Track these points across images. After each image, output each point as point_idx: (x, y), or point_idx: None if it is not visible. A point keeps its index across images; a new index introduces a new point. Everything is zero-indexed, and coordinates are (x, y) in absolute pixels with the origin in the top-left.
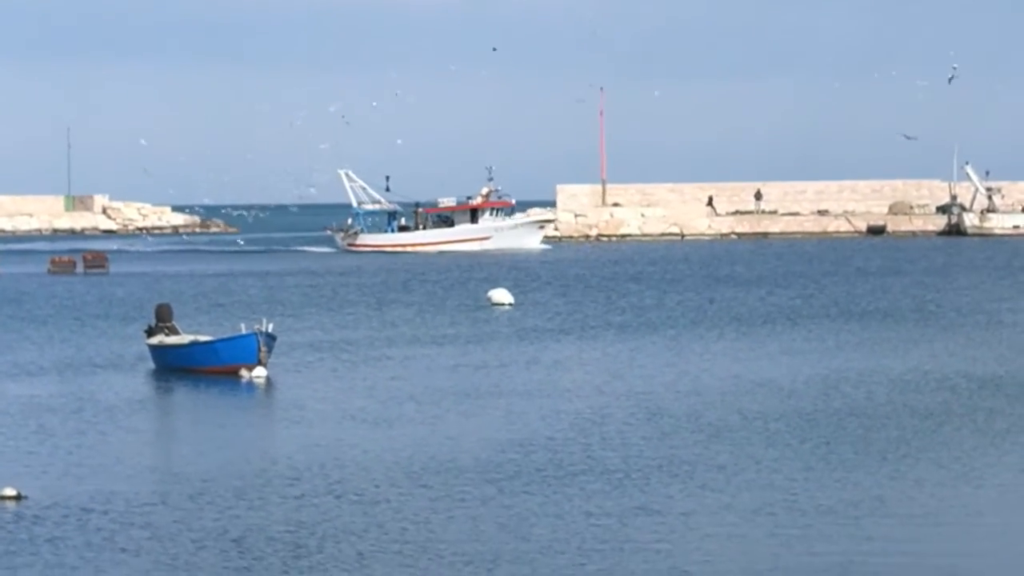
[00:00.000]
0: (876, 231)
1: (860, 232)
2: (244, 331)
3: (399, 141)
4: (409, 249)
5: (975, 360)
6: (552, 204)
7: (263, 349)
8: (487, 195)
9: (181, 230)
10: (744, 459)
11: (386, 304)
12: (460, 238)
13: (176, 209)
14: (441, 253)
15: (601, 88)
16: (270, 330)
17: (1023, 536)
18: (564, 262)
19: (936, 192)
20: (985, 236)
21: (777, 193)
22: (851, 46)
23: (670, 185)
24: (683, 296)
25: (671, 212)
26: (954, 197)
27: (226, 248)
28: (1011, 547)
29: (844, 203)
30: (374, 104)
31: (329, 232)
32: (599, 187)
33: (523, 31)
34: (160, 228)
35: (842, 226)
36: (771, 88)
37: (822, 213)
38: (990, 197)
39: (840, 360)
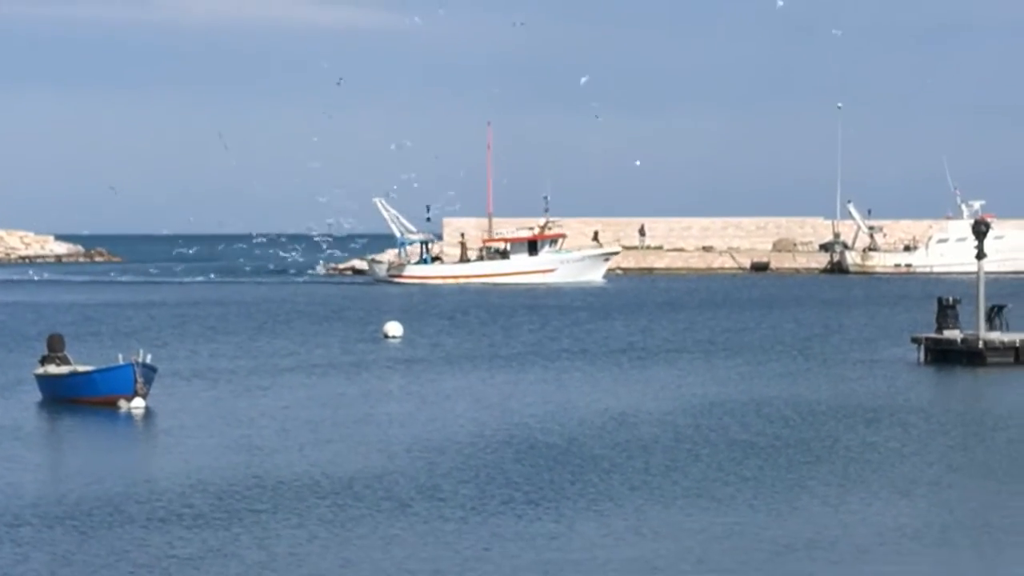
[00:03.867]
0: (760, 268)
1: (744, 269)
2: (121, 362)
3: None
4: (463, 281)
5: (850, 394)
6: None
7: (140, 380)
8: (544, 226)
9: (64, 259)
10: (615, 489)
11: (277, 335)
12: (520, 270)
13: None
14: (495, 285)
15: (488, 122)
16: (148, 361)
17: (893, 566)
18: (454, 294)
19: (820, 230)
20: (867, 274)
21: (662, 229)
22: (737, 83)
23: (555, 219)
24: (569, 328)
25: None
26: (837, 235)
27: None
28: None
29: (729, 240)
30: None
31: (366, 262)
32: (485, 220)
33: (414, 64)
34: (43, 257)
35: (727, 262)
36: (657, 125)
37: (707, 249)
38: (872, 235)
39: (717, 392)
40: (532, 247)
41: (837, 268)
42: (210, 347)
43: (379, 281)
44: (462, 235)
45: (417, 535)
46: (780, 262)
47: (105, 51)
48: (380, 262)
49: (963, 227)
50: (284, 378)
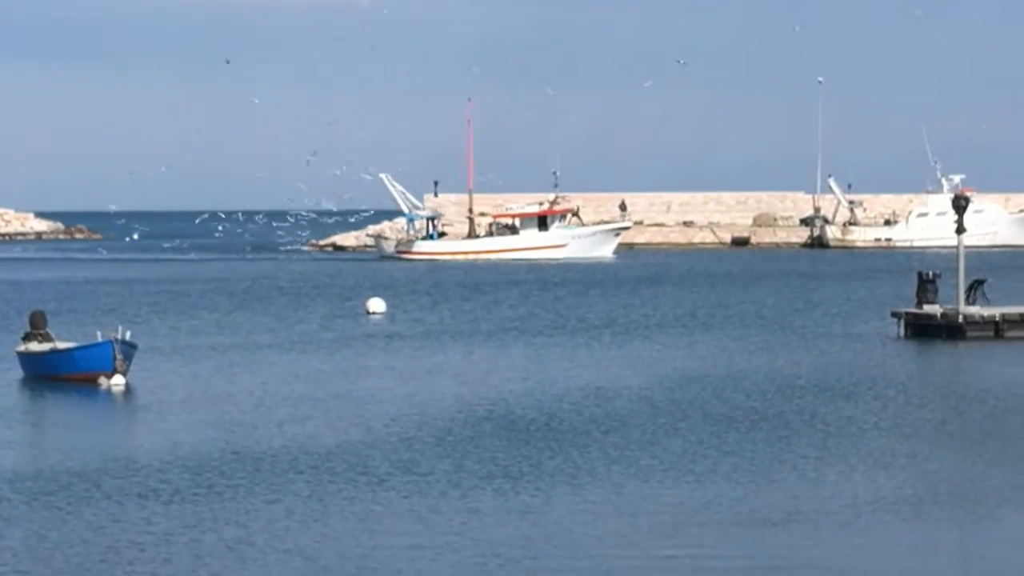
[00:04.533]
0: (741, 243)
1: (725, 244)
2: (100, 339)
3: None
4: (472, 257)
5: (830, 368)
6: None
7: (119, 357)
8: (554, 201)
9: (45, 237)
10: (594, 463)
11: (260, 312)
12: (531, 246)
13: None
14: (506, 261)
15: (469, 98)
16: (128, 338)
17: (871, 539)
18: (441, 269)
19: (800, 204)
20: (847, 248)
21: (643, 204)
22: (719, 58)
23: (536, 195)
24: (554, 303)
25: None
26: (817, 209)
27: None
28: (859, 550)
29: (709, 215)
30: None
31: (371, 237)
32: (466, 196)
33: (395, 39)
34: (23, 234)
35: (707, 237)
36: (640, 99)
37: (687, 224)
38: (852, 210)
39: (697, 366)
40: (542, 222)
41: (817, 243)
42: (191, 324)
43: (385, 257)
44: (470, 210)
45: (396, 511)
46: (761, 237)
47: (87, 28)
48: (387, 238)
49: (943, 201)
50: (264, 354)
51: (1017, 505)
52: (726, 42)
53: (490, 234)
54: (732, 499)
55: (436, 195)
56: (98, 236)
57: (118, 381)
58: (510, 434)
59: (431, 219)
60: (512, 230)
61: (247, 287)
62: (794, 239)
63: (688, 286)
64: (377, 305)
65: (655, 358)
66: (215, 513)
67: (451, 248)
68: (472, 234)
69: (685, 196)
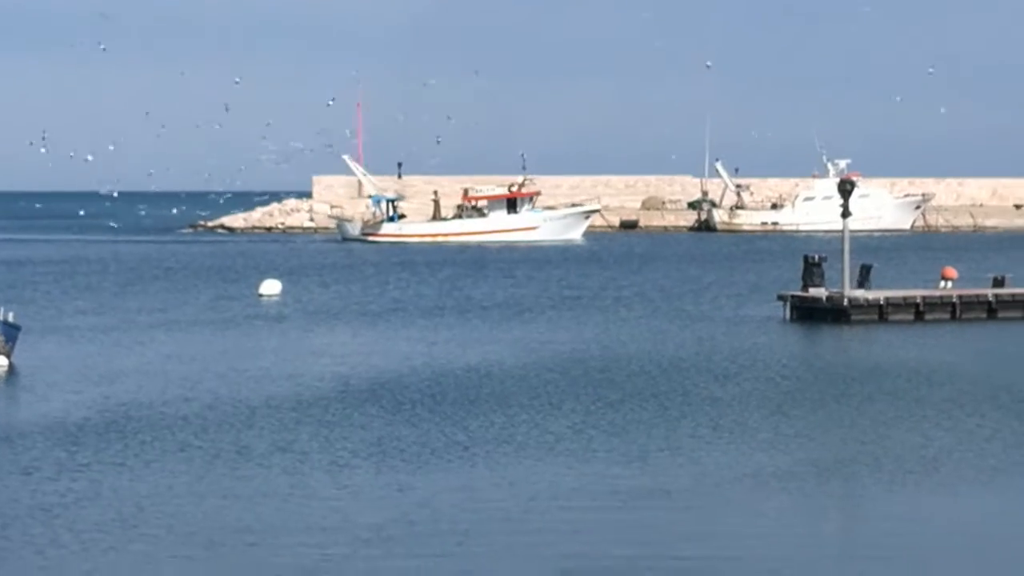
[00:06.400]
0: (629, 226)
1: (613, 227)
2: None
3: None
4: (440, 240)
5: (715, 350)
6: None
7: (1, 338)
8: (522, 184)
9: None
10: (476, 442)
11: (149, 294)
12: (501, 228)
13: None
14: (476, 244)
15: (359, 80)
16: (10, 319)
17: (748, 514)
18: (337, 252)
19: (689, 188)
20: (734, 232)
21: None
22: (610, 44)
23: (427, 177)
24: (441, 286)
25: (426, 204)
26: (705, 193)
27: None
28: (736, 525)
29: (598, 198)
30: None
31: (332, 218)
32: (355, 179)
33: (287, 22)
34: None
35: (596, 220)
36: (536, 86)
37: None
38: (739, 194)
39: (583, 348)
40: (511, 205)
41: (705, 226)
42: (75, 304)
43: (348, 239)
44: (435, 192)
45: (274, 488)
46: (649, 220)
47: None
48: (350, 220)
49: (829, 185)
50: (150, 334)
51: (887, 483)
52: (616, 26)
53: (458, 216)
54: (611, 476)
55: (400, 176)
56: None
57: (0, 362)
58: (391, 414)
59: (392, 201)
60: (480, 213)
61: (142, 268)
62: (682, 223)
63: (575, 268)
64: (271, 287)
65: (541, 339)
66: (95, 489)
67: (419, 231)
68: (437, 216)
69: (575, 179)
